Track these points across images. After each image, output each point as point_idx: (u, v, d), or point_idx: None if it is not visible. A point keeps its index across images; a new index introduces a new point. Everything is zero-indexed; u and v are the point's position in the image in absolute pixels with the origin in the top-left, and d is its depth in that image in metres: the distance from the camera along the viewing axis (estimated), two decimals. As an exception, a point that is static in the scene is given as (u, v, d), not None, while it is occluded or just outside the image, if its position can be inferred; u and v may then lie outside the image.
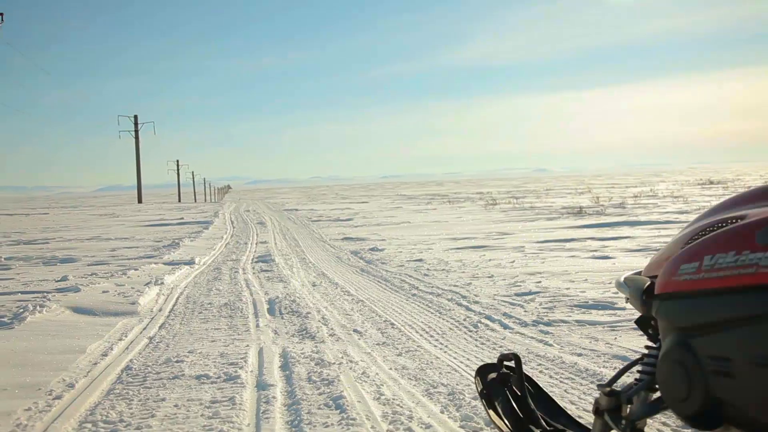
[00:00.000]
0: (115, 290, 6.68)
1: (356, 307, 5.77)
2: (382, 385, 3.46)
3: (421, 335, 4.58)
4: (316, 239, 13.05)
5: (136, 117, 54.43)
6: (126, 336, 4.84)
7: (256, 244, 12.60)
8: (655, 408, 1.99)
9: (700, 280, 1.66)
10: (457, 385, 3.42)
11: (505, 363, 2.74)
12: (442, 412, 3.03)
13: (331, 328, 4.90)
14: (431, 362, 3.90)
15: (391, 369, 3.79)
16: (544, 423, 2.52)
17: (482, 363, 3.25)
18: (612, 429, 2.04)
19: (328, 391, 3.38)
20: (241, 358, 4.09)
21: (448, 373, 3.66)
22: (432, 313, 5.33)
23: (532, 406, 2.60)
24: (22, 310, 5.43)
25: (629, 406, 2.02)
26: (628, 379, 2.27)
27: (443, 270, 7.69)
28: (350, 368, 3.80)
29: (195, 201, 61.42)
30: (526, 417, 2.55)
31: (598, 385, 2.17)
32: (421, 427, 2.85)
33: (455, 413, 3.01)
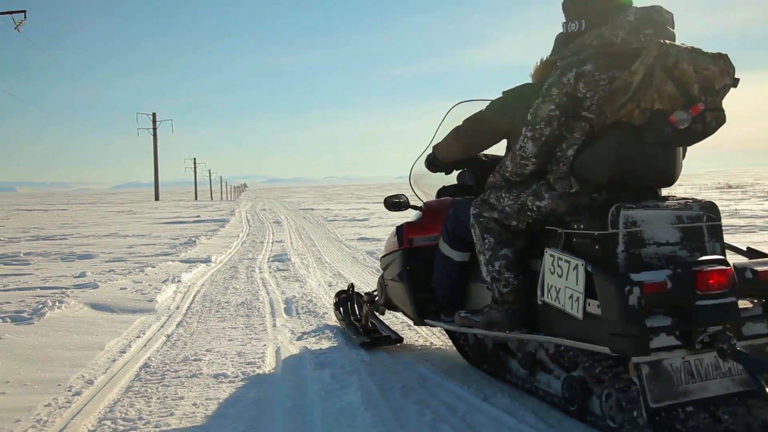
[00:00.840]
0: (133, 287, 6.71)
1: (373, 307, 5.75)
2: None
3: (437, 337, 4.56)
4: (332, 239, 13.05)
5: (154, 115, 54.80)
6: (144, 333, 4.86)
7: (272, 243, 12.63)
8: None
9: (388, 249, 4.09)
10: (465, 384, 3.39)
11: (350, 289, 5.02)
12: (461, 416, 3.01)
13: (348, 329, 4.89)
14: (447, 360, 3.88)
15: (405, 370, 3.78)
16: (358, 315, 4.79)
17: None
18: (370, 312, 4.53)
19: (343, 391, 3.37)
20: (259, 358, 4.10)
21: (465, 372, 3.64)
22: (449, 315, 5.30)
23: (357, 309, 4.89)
24: (41, 306, 5.48)
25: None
26: None
27: (460, 272, 7.64)
28: (365, 369, 3.79)
29: (211, 199, 61.79)
30: (351, 313, 4.84)
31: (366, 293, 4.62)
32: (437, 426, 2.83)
33: (467, 411, 2.98)
